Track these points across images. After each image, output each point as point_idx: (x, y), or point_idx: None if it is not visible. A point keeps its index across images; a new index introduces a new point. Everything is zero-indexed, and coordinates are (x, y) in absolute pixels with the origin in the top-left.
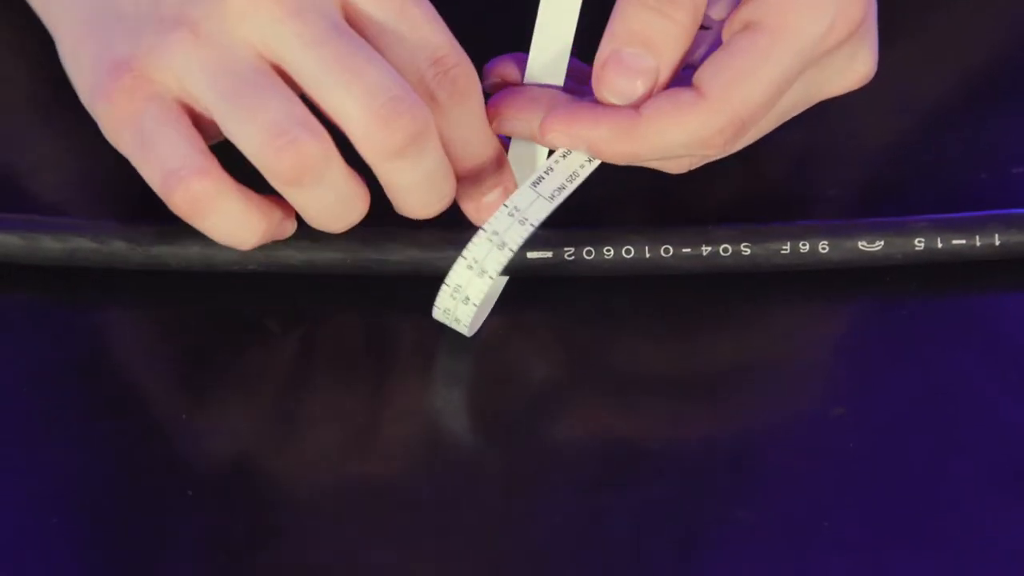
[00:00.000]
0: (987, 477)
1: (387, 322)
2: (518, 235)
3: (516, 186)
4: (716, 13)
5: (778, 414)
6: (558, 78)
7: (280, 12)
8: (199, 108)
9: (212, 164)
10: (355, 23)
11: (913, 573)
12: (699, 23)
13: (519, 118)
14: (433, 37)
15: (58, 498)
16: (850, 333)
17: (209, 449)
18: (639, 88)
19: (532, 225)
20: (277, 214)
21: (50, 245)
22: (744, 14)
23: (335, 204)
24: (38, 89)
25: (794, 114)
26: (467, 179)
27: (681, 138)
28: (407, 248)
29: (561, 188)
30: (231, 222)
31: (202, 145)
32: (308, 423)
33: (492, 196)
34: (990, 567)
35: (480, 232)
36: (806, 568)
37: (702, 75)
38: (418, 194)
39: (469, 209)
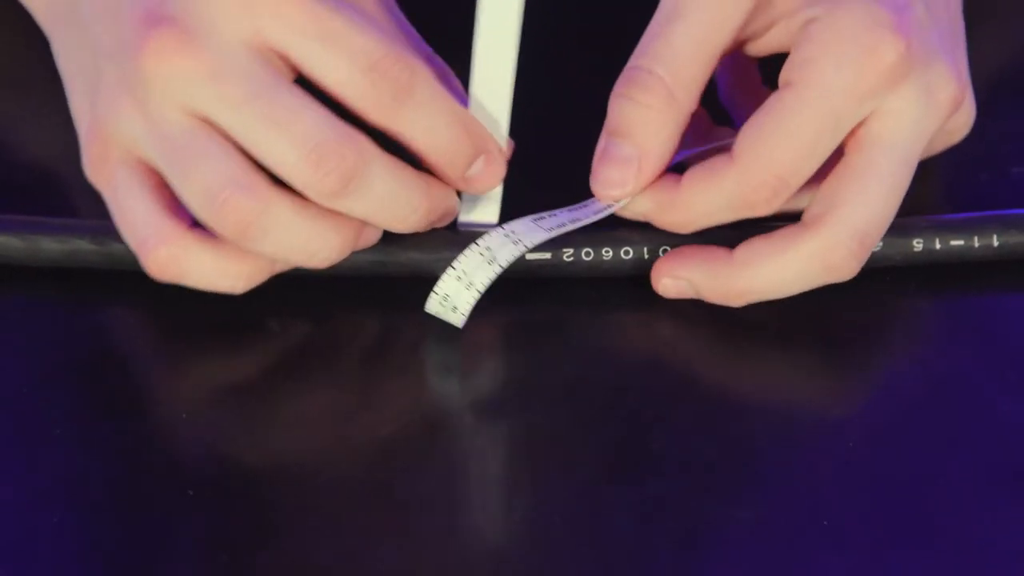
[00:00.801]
0: (986, 477)
1: (387, 322)
2: (509, 253)
3: (499, 151)
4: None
5: (778, 414)
6: (503, 105)
7: (198, 76)
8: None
9: (175, 227)
10: (281, 55)
11: (913, 572)
12: (682, 106)
13: (678, 276)
14: (361, 44)
15: (58, 498)
16: (849, 333)
17: (209, 449)
18: (618, 177)
19: (524, 247)
20: (261, 258)
21: (50, 246)
22: (781, 75)
23: (301, 245)
24: (38, 91)
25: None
26: (447, 162)
27: (720, 201)
28: (407, 250)
29: (561, 225)
30: (208, 277)
31: (167, 208)
32: (308, 423)
33: (476, 167)
34: (989, 566)
35: (472, 246)
36: (806, 567)
37: (738, 138)
38: (386, 216)
39: (459, 188)
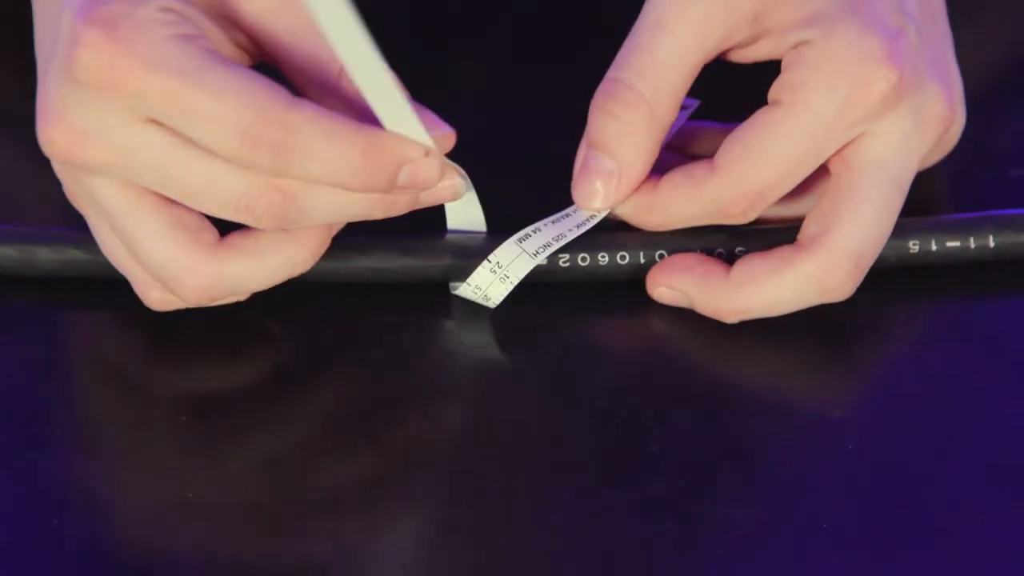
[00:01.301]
0: (986, 478)
1: (386, 324)
2: (499, 292)
3: (423, 151)
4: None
5: (777, 416)
6: (401, 104)
7: (103, 164)
8: None
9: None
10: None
11: (912, 574)
12: (662, 122)
13: (673, 287)
14: (225, 114)
15: (58, 501)
16: (849, 334)
17: (209, 452)
18: (599, 189)
19: (512, 283)
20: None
21: (45, 256)
22: (771, 93)
23: (270, 277)
24: (33, 101)
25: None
26: (367, 186)
27: (695, 209)
28: (401, 257)
29: (547, 246)
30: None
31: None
32: (308, 425)
33: (403, 178)
34: (989, 568)
35: (485, 262)
36: (805, 569)
37: (720, 149)
38: (350, 216)
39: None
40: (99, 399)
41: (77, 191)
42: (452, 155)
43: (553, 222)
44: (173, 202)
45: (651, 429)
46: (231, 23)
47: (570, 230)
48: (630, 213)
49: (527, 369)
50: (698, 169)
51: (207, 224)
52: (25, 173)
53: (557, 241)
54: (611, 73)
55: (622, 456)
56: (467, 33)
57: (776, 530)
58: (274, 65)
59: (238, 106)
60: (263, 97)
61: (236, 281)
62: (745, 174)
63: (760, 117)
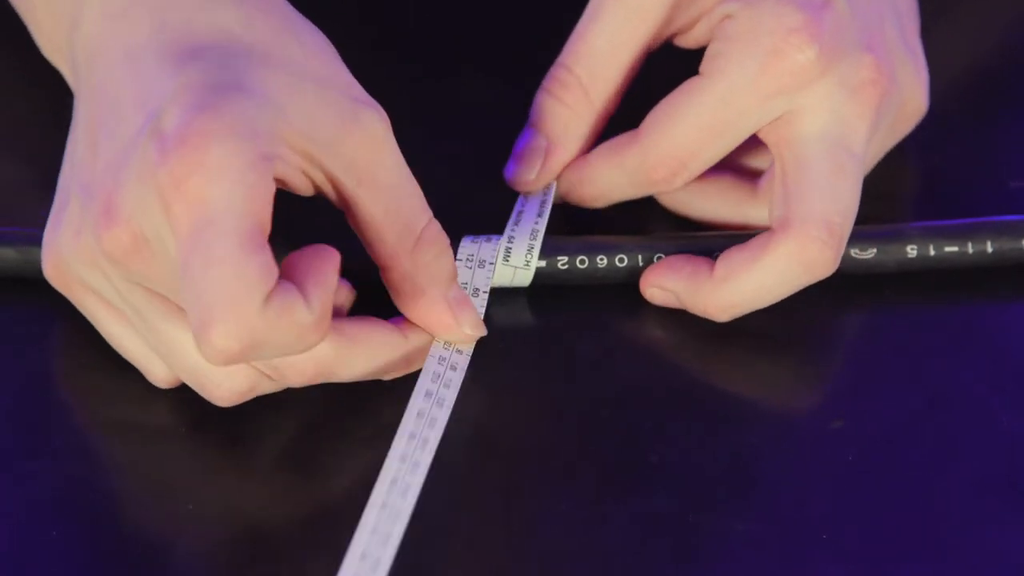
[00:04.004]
0: (986, 487)
1: None
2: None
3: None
4: None
5: (777, 426)
6: None
7: (155, 274)
8: None
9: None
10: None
11: None
12: (597, 106)
13: (664, 287)
14: (199, 302)
15: (57, 510)
16: (848, 344)
17: (209, 462)
18: (527, 165)
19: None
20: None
21: None
22: (700, 66)
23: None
24: (37, 106)
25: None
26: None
27: (622, 177)
28: None
29: (530, 249)
30: None
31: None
32: (309, 429)
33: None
34: None
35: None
36: None
37: (645, 119)
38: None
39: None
40: (99, 407)
41: (100, 283)
42: (462, 166)
43: (516, 223)
44: None
45: (650, 440)
46: (316, 164)
47: (536, 222)
48: (565, 188)
49: (526, 379)
50: (623, 138)
51: None
52: (25, 175)
53: (534, 239)
54: (557, 60)
55: (621, 467)
56: (472, 49)
57: (775, 541)
58: (343, 210)
59: (212, 295)
60: (246, 317)
61: (270, 388)
62: (664, 140)
63: (683, 87)
